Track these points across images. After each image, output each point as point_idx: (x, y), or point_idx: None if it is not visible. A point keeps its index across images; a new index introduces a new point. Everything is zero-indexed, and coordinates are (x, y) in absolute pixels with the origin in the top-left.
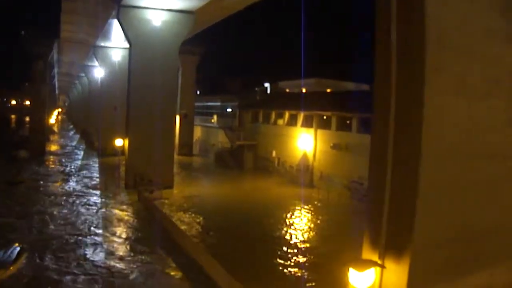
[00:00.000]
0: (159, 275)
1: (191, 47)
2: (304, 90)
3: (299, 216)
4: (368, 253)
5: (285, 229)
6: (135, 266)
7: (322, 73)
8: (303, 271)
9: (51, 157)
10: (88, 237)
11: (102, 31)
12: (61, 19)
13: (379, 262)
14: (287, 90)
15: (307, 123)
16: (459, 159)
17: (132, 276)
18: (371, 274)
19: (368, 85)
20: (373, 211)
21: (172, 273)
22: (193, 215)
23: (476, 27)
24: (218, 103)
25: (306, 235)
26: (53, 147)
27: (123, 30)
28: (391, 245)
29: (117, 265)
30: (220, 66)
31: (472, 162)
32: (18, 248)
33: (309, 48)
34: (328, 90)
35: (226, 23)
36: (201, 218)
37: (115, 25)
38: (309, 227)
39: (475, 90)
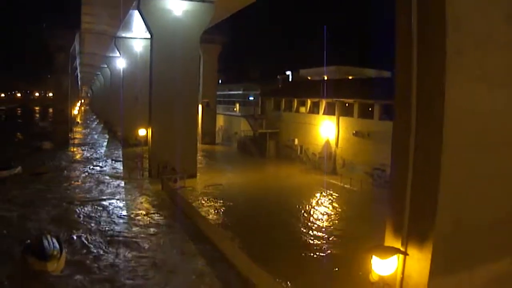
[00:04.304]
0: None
1: (212, 36)
2: (325, 78)
3: (321, 202)
4: (391, 240)
5: (306, 214)
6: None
7: (343, 60)
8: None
9: (75, 148)
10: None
11: (123, 22)
12: (81, 10)
13: (402, 249)
14: (309, 78)
15: (329, 111)
16: (481, 145)
17: None
18: (394, 261)
19: (389, 72)
20: (396, 198)
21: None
22: (216, 203)
23: (496, 13)
24: (240, 92)
25: (328, 221)
26: (77, 138)
27: (144, 20)
28: (414, 232)
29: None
30: (242, 54)
31: (494, 148)
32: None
33: (331, 35)
34: (350, 77)
35: (247, 11)
36: (223, 204)
37: (136, 15)
38: (331, 213)
39: (496, 77)
